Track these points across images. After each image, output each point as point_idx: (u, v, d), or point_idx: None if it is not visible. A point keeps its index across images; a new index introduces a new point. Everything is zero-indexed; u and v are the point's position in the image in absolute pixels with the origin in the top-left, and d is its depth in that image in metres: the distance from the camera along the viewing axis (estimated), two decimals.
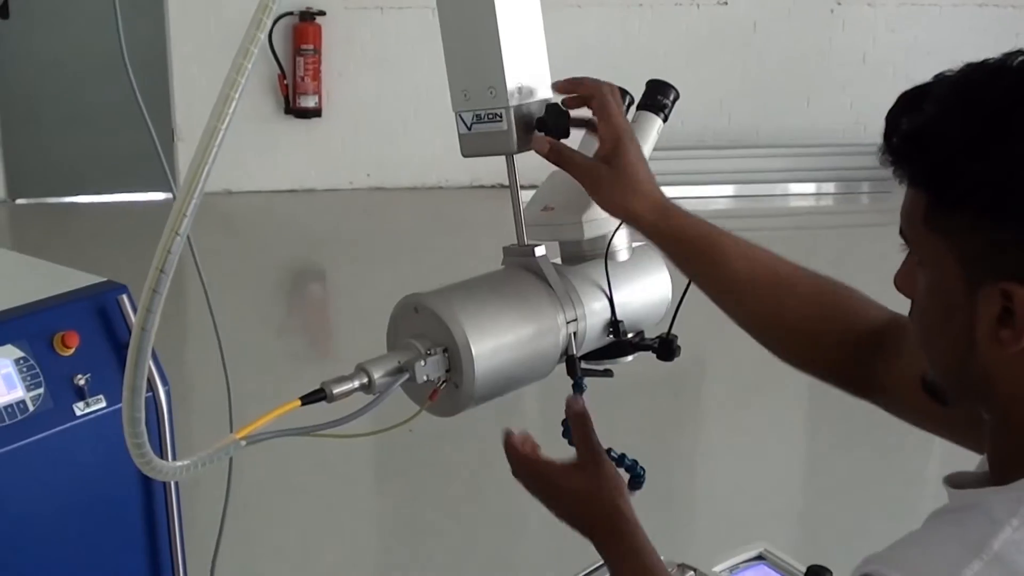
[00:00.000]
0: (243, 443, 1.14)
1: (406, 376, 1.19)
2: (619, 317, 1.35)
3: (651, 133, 1.42)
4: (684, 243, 1.30)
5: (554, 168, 1.35)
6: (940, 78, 0.94)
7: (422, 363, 1.20)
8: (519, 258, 1.35)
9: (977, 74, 0.91)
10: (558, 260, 1.41)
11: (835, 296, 1.31)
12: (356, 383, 1.17)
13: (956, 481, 1.00)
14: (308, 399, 1.14)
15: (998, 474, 0.96)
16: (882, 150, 0.95)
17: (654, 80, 1.44)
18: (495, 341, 1.23)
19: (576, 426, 1.24)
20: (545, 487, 1.26)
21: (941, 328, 0.96)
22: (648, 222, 1.29)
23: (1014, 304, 0.88)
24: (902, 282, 1.02)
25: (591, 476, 1.22)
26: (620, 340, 1.36)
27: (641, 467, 1.35)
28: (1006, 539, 0.86)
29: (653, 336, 1.39)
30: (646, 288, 1.42)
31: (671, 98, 1.44)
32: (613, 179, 1.29)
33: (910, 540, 0.92)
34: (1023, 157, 0.86)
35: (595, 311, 1.34)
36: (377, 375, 1.18)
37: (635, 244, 1.43)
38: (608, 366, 1.40)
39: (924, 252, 0.96)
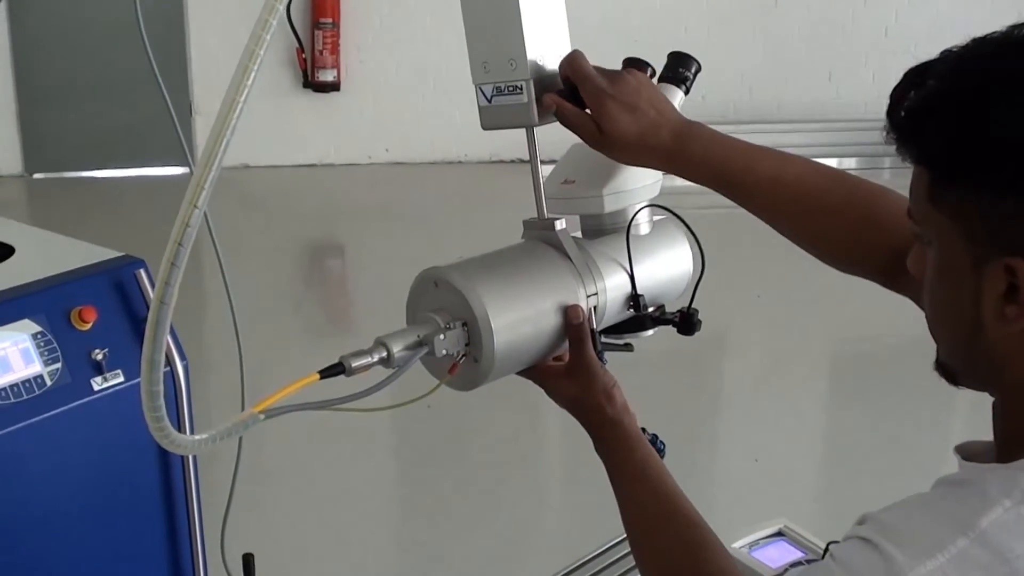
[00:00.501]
0: (262, 416, 1.12)
1: (425, 350, 1.18)
2: (639, 291, 1.33)
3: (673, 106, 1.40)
4: (702, 181, 1.28)
5: (576, 140, 1.33)
6: (945, 54, 0.93)
7: (441, 337, 1.19)
8: (539, 232, 1.34)
9: (979, 48, 0.91)
10: (578, 234, 1.40)
11: (867, 208, 1.28)
12: (375, 357, 1.16)
13: (967, 451, 1.00)
14: (327, 373, 1.13)
15: (1004, 452, 0.96)
16: (886, 128, 0.95)
17: (676, 52, 1.42)
18: (514, 314, 1.22)
19: (573, 335, 1.25)
20: (543, 385, 1.30)
21: (949, 308, 0.96)
22: (660, 166, 1.30)
23: (1019, 280, 0.88)
24: (914, 265, 1.02)
25: (580, 385, 1.26)
26: (641, 314, 1.35)
27: (661, 442, 1.34)
28: (995, 519, 0.87)
29: (674, 311, 1.37)
30: (667, 262, 1.40)
31: (693, 71, 1.42)
32: (602, 138, 1.28)
33: (906, 508, 0.93)
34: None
35: (615, 285, 1.33)
36: (396, 349, 1.17)
37: (657, 218, 1.42)
38: (629, 340, 1.39)
39: (930, 231, 0.95)
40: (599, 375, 1.26)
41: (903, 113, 0.94)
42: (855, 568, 0.89)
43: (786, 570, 1.04)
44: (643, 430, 1.32)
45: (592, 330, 1.29)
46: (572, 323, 1.25)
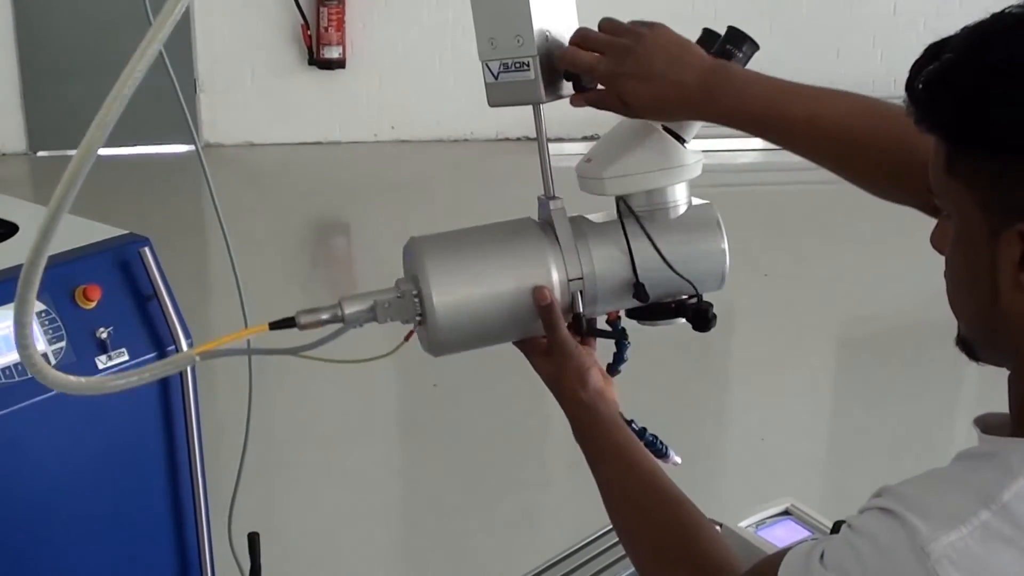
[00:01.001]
0: (198, 358, 1.16)
1: (372, 315, 1.25)
2: (642, 279, 1.29)
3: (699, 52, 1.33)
4: (737, 127, 1.25)
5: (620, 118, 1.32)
6: (964, 28, 0.94)
7: (387, 305, 1.25)
8: (543, 210, 1.32)
9: (998, 22, 0.92)
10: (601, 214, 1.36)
11: (911, 142, 1.20)
12: (327, 315, 1.23)
13: (986, 423, 1.00)
14: (277, 325, 1.19)
15: (1020, 426, 0.96)
16: (905, 100, 0.96)
17: (732, 28, 1.33)
18: (465, 290, 1.25)
19: (542, 316, 1.26)
20: (529, 361, 1.32)
21: (967, 280, 0.96)
22: (695, 118, 1.29)
23: None
24: (937, 240, 1.01)
25: (555, 365, 1.26)
26: (648, 304, 1.30)
27: (661, 442, 1.34)
28: (1017, 490, 0.87)
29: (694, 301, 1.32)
30: (691, 254, 1.31)
31: (743, 49, 1.31)
32: (630, 110, 1.27)
33: (927, 481, 0.93)
34: None
35: (611, 269, 1.29)
36: (349, 310, 1.24)
37: (697, 202, 1.34)
38: (623, 326, 1.35)
39: (948, 202, 0.96)
40: (572, 358, 1.25)
41: (920, 85, 0.94)
42: (876, 538, 0.89)
43: (798, 544, 1.03)
44: (631, 422, 1.32)
45: (578, 313, 1.28)
46: (539, 305, 1.25)
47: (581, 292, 1.28)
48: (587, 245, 1.29)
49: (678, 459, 1.37)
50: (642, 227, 1.29)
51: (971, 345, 1.00)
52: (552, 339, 1.26)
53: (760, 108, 1.24)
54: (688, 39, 1.27)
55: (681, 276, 1.29)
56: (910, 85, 0.95)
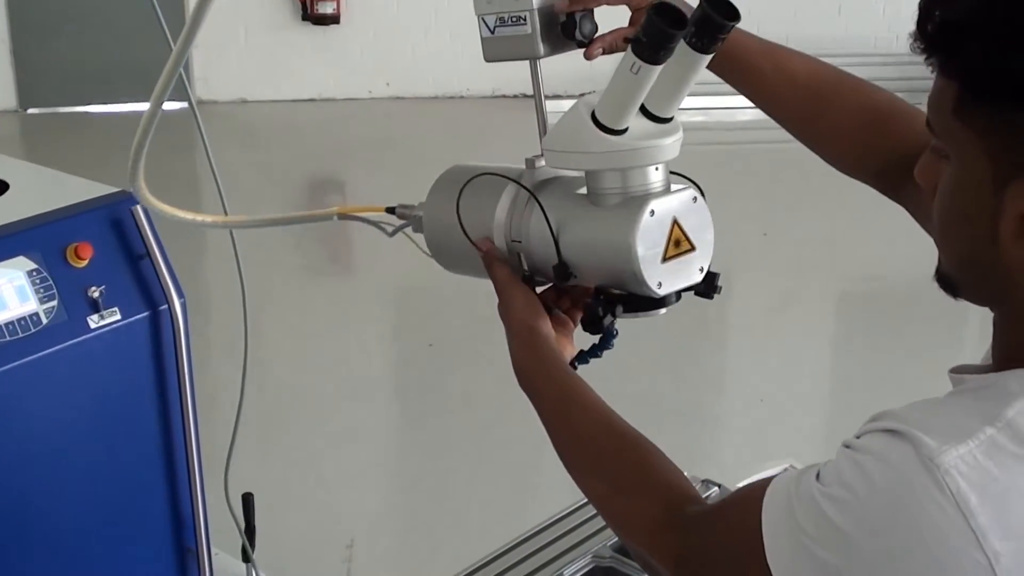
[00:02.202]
0: (336, 217, 1.51)
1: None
2: (580, 261, 1.23)
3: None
4: (723, 62, 1.32)
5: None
6: None
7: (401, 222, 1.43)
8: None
9: None
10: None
11: (878, 113, 1.32)
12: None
13: (961, 371, 1.01)
14: (390, 210, 1.45)
15: (1006, 365, 0.95)
16: (914, 37, 0.93)
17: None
18: (443, 222, 1.34)
19: (485, 263, 1.30)
20: None
21: (963, 223, 0.95)
22: None
23: None
24: (923, 175, 1.00)
25: (504, 306, 1.27)
26: (569, 286, 1.27)
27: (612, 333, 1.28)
28: (1020, 407, 0.88)
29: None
30: (599, 246, 1.22)
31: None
32: None
33: (928, 405, 0.93)
34: None
35: (544, 241, 1.25)
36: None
37: (651, 189, 1.21)
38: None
39: (951, 144, 0.94)
40: (518, 293, 1.26)
41: (936, 25, 0.91)
42: (882, 454, 0.88)
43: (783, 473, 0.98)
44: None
45: (525, 274, 1.28)
46: (479, 249, 1.30)
47: (520, 255, 1.28)
48: (541, 212, 1.25)
49: None
50: (540, 207, 1.24)
51: (953, 282, 1.00)
52: (499, 282, 1.28)
53: (736, 50, 1.31)
54: None
55: (563, 261, 1.23)
56: (922, 25, 0.92)
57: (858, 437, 0.93)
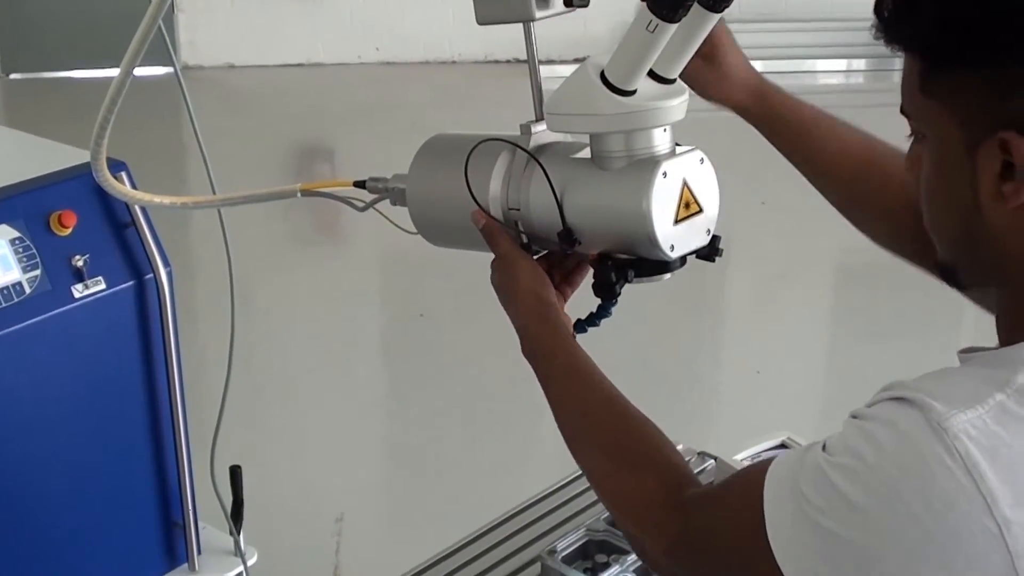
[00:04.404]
0: (300, 195, 1.42)
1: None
2: (570, 225, 1.21)
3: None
4: (779, 124, 1.37)
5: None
6: None
7: (372, 195, 1.39)
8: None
9: None
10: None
11: (872, 167, 1.35)
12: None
13: (970, 351, 0.99)
14: (359, 184, 1.40)
15: (1010, 342, 0.95)
16: (875, 26, 0.95)
17: None
18: (429, 195, 1.33)
19: (486, 234, 1.27)
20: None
21: (946, 199, 0.96)
22: (745, 107, 1.37)
23: (1013, 155, 0.88)
24: (910, 165, 1.01)
25: (505, 274, 1.25)
26: (573, 252, 1.23)
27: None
28: None
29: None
30: (610, 210, 1.20)
31: None
32: (709, 72, 1.34)
33: (938, 374, 0.92)
34: None
35: (545, 206, 1.22)
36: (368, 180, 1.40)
37: (658, 152, 1.20)
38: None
39: (924, 123, 0.96)
40: (522, 262, 1.24)
41: (891, 4, 0.93)
42: (891, 421, 0.87)
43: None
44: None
45: (525, 243, 1.26)
46: (475, 225, 1.27)
47: (518, 223, 1.26)
48: (544, 177, 1.22)
49: None
50: (544, 171, 1.22)
51: (953, 270, 1.00)
52: (500, 252, 1.26)
53: (802, 111, 1.37)
54: None
55: (568, 227, 1.21)
56: (879, 10, 0.94)
57: (870, 405, 0.92)
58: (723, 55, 1.34)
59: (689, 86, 1.25)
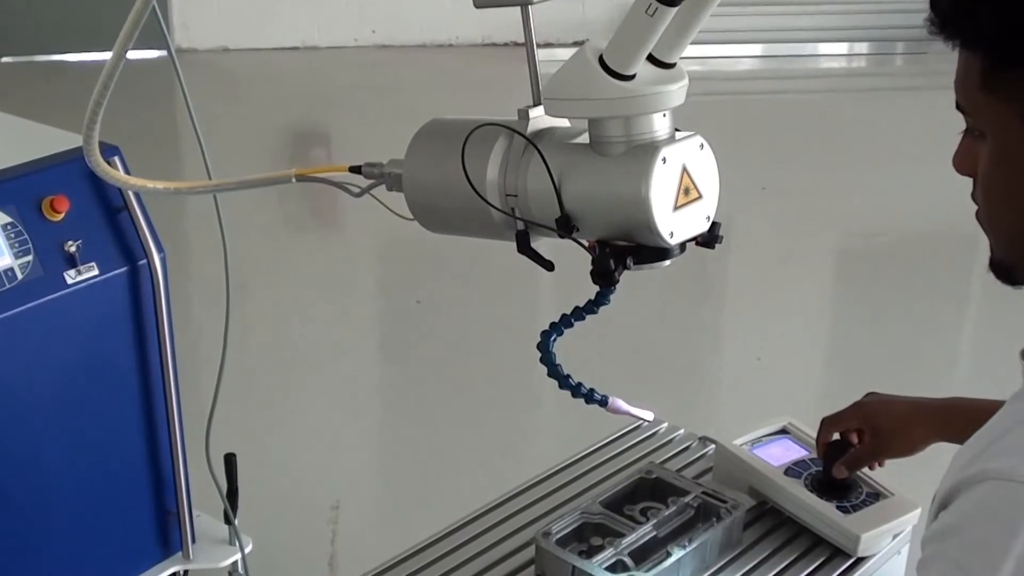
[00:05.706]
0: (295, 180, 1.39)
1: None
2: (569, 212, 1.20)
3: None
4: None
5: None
6: None
7: (368, 181, 1.36)
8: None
9: None
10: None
11: None
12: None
13: None
14: (355, 169, 1.36)
15: None
16: (930, 20, 0.94)
17: None
18: (425, 182, 1.31)
19: None
20: None
21: (1009, 196, 0.95)
22: (949, 438, 1.46)
23: None
24: (960, 162, 1.01)
25: None
26: (571, 238, 1.21)
27: (598, 392, 1.33)
28: None
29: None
30: (610, 197, 1.19)
31: None
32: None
33: (1009, 434, 0.92)
34: None
35: (543, 192, 1.21)
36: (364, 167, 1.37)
37: (682, 136, 1.21)
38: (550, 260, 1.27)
39: (985, 120, 0.95)
40: None
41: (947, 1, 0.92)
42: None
43: None
44: (579, 384, 1.33)
45: (520, 230, 1.24)
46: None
47: (514, 209, 1.24)
48: (542, 163, 1.21)
49: (649, 415, 1.39)
50: (542, 156, 1.21)
51: (1009, 268, 0.99)
52: None
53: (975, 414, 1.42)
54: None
55: (566, 213, 1.20)
56: (936, 5, 0.93)
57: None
58: (902, 437, 1.52)
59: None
